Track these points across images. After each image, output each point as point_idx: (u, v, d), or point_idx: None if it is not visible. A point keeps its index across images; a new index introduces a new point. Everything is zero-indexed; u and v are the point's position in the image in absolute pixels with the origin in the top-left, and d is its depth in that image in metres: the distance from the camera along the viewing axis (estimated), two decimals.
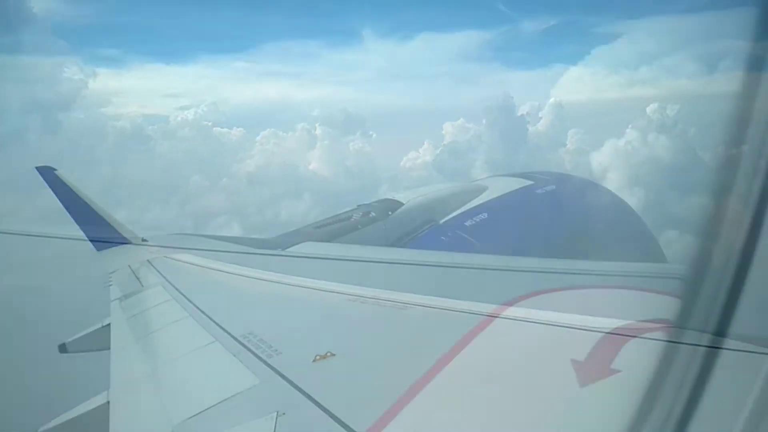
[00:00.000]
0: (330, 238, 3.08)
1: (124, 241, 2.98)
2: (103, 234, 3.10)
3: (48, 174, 4.14)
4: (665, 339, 1.30)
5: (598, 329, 1.37)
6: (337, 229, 3.21)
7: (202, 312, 1.80)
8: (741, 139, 0.76)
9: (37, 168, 4.32)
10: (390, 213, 3.51)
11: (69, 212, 3.69)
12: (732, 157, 0.77)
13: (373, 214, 3.46)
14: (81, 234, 3.12)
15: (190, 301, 1.94)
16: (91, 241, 3.05)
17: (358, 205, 3.72)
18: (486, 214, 3.73)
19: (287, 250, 2.32)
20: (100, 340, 1.99)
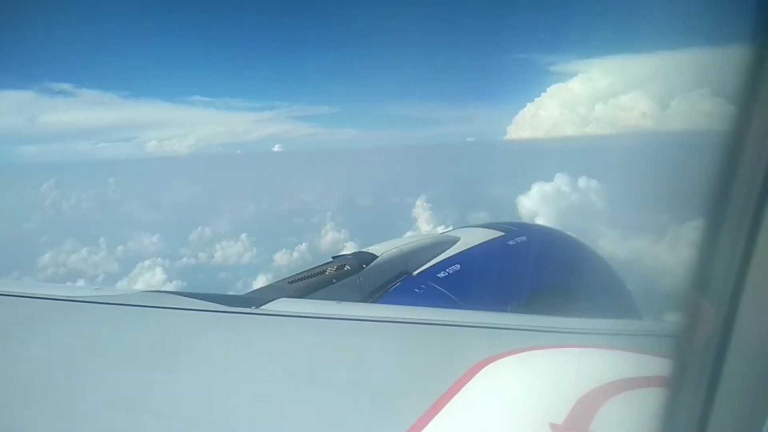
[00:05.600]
0: (304, 293, 3.03)
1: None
2: None
3: None
4: (643, 397, 1.31)
5: (576, 390, 1.37)
6: (312, 283, 3.16)
7: None
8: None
9: None
10: (364, 266, 3.49)
11: None
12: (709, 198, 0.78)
13: (348, 267, 3.42)
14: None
15: None
16: None
17: (333, 257, 3.69)
18: (458, 266, 3.75)
19: (262, 307, 2.27)
20: None
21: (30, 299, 2.65)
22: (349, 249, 3.96)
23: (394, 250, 3.73)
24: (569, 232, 4.93)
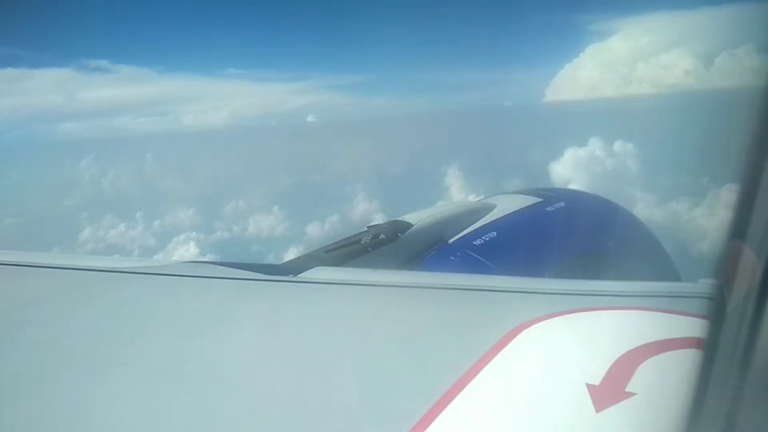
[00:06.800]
0: (340, 262, 3.09)
1: None
2: None
3: None
4: (680, 358, 1.32)
5: (612, 351, 1.38)
6: (348, 252, 3.22)
7: None
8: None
9: None
10: (399, 234, 3.52)
11: None
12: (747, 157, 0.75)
13: (383, 236, 3.46)
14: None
15: None
16: None
17: (368, 227, 3.72)
18: (495, 233, 3.73)
19: (299, 276, 2.33)
20: None
21: (76, 271, 2.77)
22: (379, 219, 3.97)
23: (429, 218, 3.73)
24: (606, 197, 4.83)
